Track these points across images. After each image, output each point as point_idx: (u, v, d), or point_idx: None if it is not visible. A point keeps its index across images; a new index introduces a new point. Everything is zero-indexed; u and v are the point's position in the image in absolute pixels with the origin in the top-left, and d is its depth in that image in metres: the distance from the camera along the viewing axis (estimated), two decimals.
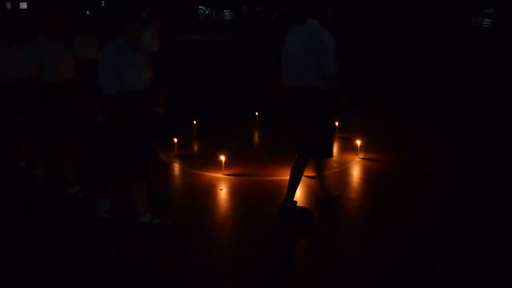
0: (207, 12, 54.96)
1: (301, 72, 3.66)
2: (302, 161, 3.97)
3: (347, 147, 5.98)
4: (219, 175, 4.99)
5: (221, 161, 5.06)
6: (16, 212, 4.09)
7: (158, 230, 3.68)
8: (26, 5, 25.32)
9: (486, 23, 29.96)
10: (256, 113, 7.20)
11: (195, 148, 6.26)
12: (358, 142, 5.67)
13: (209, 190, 4.57)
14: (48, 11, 4.00)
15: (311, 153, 3.93)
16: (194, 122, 6.69)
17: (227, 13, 36.71)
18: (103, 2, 39.53)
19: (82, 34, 6.48)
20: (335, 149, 6.04)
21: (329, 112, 3.80)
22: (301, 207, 4.08)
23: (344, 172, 5.15)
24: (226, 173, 5.02)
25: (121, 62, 3.26)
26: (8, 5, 28.74)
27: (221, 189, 4.65)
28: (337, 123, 6.53)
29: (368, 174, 5.11)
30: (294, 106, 3.80)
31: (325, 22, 3.69)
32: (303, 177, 4.88)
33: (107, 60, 3.26)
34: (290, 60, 3.74)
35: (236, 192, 4.59)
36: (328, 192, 4.32)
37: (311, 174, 4.95)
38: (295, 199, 4.04)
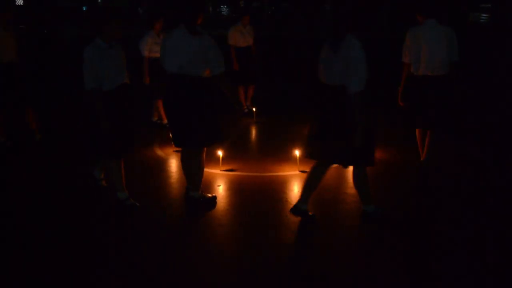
0: None
1: (439, 61, 4.44)
2: (439, 133, 4.79)
3: None
4: (216, 171, 4.99)
5: (218, 157, 5.06)
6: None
7: (131, 210, 4.00)
8: (22, 0, 25.16)
9: (483, 18, 29.81)
10: (254, 109, 7.19)
11: None
12: None
13: (207, 186, 4.55)
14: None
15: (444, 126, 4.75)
16: None
17: (224, 9, 36.54)
18: None
19: (149, 33, 6.13)
20: None
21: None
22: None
23: (341, 168, 5.14)
24: (224, 169, 5.02)
25: None
26: None
27: (219, 185, 4.65)
28: None
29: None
30: (426, 90, 4.57)
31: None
32: (302, 173, 4.90)
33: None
34: (429, 51, 4.43)
35: (233, 188, 4.60)
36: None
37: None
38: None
